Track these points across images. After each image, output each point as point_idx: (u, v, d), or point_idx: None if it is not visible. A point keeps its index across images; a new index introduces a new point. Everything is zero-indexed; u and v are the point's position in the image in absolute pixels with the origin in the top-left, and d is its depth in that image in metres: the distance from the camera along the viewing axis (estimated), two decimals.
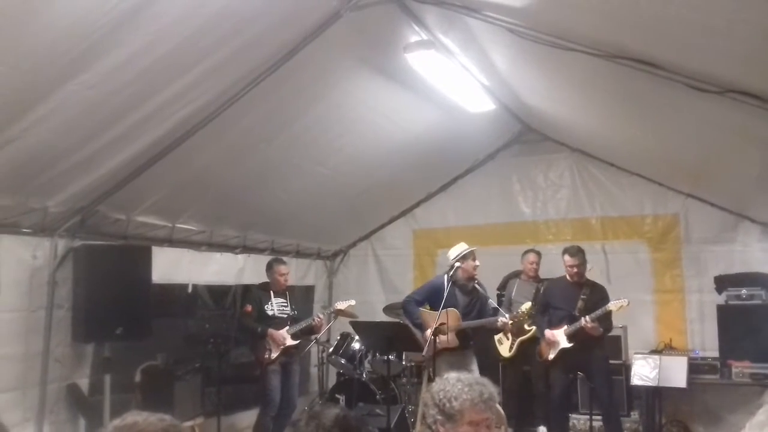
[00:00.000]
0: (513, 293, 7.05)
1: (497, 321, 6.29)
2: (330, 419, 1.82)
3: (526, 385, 6.94)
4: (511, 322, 6.27)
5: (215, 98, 4.66)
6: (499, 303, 6.96)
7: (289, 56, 4.58)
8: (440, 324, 5.81)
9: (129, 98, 4.11)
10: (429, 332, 5.89)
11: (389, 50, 4.99)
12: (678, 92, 3.95)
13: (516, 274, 7.30)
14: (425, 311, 6.27)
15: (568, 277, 6.17)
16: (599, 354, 6.02)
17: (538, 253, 7.26)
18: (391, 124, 6.27)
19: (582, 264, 6.09)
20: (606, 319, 5.92)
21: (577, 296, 6.06)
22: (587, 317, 5.84)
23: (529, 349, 6.84)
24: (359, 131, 6.17)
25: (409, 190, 8.35)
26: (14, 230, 4.77)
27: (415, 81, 5.41)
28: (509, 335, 6.84)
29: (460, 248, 6.38)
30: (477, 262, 6.26)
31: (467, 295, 6.20)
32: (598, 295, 6.04)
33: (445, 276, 6.35)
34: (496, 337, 6.97)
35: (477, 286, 6.23)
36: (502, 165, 8.22)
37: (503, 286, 7.41)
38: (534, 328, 6.74)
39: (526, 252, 7.30)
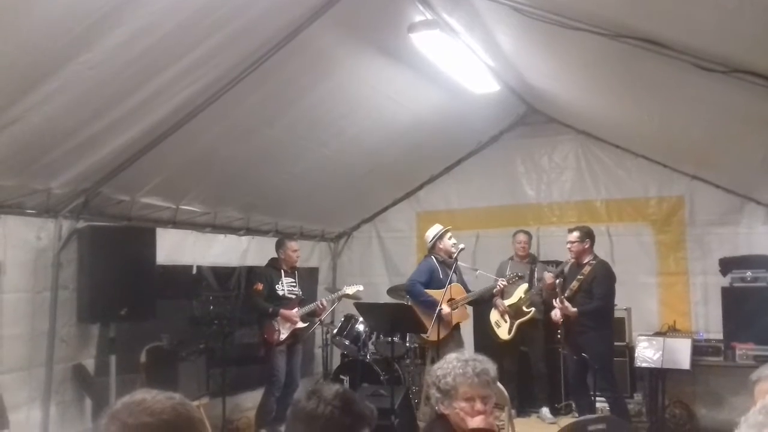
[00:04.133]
0: (507, 274, 7.00)
1: (497, 286, 6.61)
2: (331, 393, 1.84)
3: (526, 367, 6.96)
4: (506, 283, 6.61)
5: (218, 78, 4.62)
6: None
7: (293, 36, 4.54)
8: (449, 299, 6.02)
9: (132, 78, 4.08)
10: (445, 306, 6.07)
11: (393, 30, 4.93)
12: (684, 72, 3.92)
13: (510, 258, 7.26)
14: (431, 291, 6.42)
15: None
16: (593, 336, 5.97)
17: (527, 233, 7.25)
18: (395, 105, 6.24)
19: (576, 242, 6.14)
20: (581, 296, 5.96)
21: (575, 276, 6.10)
22: (558, 299, 5.99)
23: (528, 331, 6.87)
24: (363, 112, 6.14)
25: (412, 172, 8.33)
26: (18, 211, 4.77)
27: (419, 61, 5.37)
28: (507, 317, 6.85)
29: (435, 229, 6.64)
30: (453, 240, 6.48)
31: (453, 271, 6.37)
32: (592, 275, 6.02)
33: (433, 258, 6.52)
34: (493, 320, 6.97)
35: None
36: (507, 147, 8.17)
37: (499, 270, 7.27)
38: (533, 309, 6.78)
39: (516, 233, 7.28)
